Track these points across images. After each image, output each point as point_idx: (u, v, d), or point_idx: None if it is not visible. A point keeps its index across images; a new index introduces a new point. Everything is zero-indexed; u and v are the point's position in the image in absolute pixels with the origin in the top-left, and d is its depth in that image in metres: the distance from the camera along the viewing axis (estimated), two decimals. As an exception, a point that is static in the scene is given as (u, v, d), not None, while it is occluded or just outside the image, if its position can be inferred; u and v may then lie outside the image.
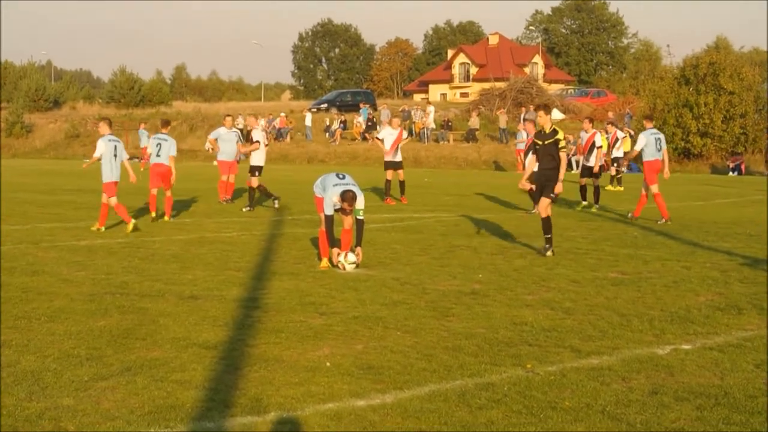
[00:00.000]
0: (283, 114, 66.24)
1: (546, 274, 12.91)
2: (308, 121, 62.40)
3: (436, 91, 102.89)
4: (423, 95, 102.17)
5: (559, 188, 14.86)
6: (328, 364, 7.93)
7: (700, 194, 27.91)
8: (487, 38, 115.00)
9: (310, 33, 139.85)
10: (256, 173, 22.61)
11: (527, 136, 23.79)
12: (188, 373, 7.59)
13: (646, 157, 20.06)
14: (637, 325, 9.55)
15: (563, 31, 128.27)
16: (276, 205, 22.50)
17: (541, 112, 15.39)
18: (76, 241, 16.04)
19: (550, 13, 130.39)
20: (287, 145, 60.98)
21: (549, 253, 14.71)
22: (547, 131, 15.15)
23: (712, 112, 43.65)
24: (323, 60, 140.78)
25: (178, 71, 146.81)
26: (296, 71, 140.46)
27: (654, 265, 13.59)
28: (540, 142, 15.17)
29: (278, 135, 62.98)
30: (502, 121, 55.19)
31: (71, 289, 11.34)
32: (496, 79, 73.84)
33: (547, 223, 14.94)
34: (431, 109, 61.03)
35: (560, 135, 15.03)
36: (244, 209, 22.20)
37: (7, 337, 8.71)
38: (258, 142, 22.90)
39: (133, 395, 7.01)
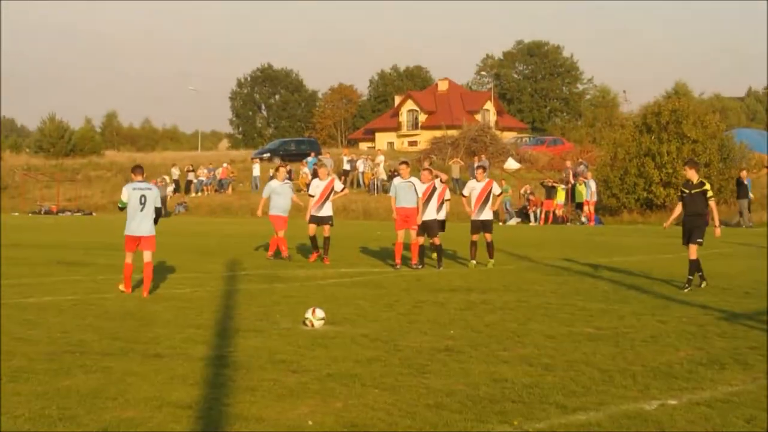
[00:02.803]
0: (226, 164, 66.42)
1: (519, 329, 13.20)
2: (256, 171, 62.31)
3: (383, 140, 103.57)
4: (369, 144, 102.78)
5: (717, 233, 18.53)
6: (310, 422, 8.11)
7: (667, 247, 28.44)
8: (437, 84, 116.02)
9: (249, 78, 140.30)
10: None
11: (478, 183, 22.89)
12: (167, 433, 7.74)
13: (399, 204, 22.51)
14: (620, 380, 9.85)
15: (515, 76, 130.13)
16: None
17: (687, 167, 18.86)
18: (23, 299, 16.08)
19: (502, 57, 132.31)
20: (229, 196, 61.10)
21: (686, 290, 17.56)
22: (695, 182, 18.32)
23: (675, 161, 44.28)
24: (263, 107, 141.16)
25: (109, 119, 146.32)
26: (234, 119, 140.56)
27: (629, 320, 13.95)
28: (687, 191, 18.33)
29: (219, 186, 63.12)
30: (455, 170, 55.72)
31: (28, 348, 11.39)
32: (448, 127, 74.74)
33: (693, 265, 17.95)
34: (381, 158, 61.28)
35: (707, 186, 18.37)
36: None
37: (-30, 399, 8.77)
38: None
39: (113, 456, 7.15)
